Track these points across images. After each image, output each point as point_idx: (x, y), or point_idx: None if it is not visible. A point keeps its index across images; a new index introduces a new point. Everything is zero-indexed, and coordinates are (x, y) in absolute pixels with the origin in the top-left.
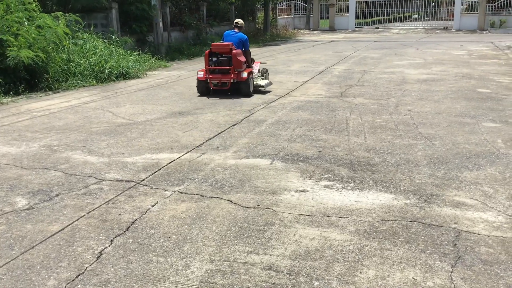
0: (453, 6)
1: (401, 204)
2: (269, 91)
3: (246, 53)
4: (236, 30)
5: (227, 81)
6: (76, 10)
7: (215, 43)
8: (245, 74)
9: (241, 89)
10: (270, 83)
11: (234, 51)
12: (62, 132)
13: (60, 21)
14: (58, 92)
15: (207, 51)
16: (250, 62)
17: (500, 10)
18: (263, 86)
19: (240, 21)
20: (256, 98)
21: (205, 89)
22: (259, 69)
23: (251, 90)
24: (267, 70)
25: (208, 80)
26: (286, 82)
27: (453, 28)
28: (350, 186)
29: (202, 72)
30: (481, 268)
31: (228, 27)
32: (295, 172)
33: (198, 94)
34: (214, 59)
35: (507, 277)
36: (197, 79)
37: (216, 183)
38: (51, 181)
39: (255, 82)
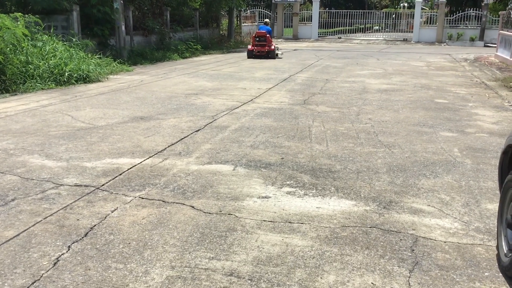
0: (413, 18)
1: (361, 211)
2: (281, 57)
3: (271, 37)
4: (264, 25)
5: (264, 51)
6: (36, 12)
7: (258, 31)
8: (273, 47)
9: (270, 55)
10: (283, 53)
11: (267, 35)
12: (19, 136)
13: (19, 22)
14: (16, 94)
15: (253, 35)
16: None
17: (458, 24)
18: (279, 54)
19: (267, 20)
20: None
21: (251, 54)
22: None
23: (275, 56)
24: (278, 47)
25: (254, 50)
26: (250, 89)
27: (413, 40)
28: (312, 192)
29: (250, 46)
30: (438, 273)
31: (192, 32)
32: (258, 179)
33: (247, 57)
34: (257, 39)
35: (462, 282)
36: (247, 50)
37: (178, 188)
38: (6, 185)
39: (275, 52)
